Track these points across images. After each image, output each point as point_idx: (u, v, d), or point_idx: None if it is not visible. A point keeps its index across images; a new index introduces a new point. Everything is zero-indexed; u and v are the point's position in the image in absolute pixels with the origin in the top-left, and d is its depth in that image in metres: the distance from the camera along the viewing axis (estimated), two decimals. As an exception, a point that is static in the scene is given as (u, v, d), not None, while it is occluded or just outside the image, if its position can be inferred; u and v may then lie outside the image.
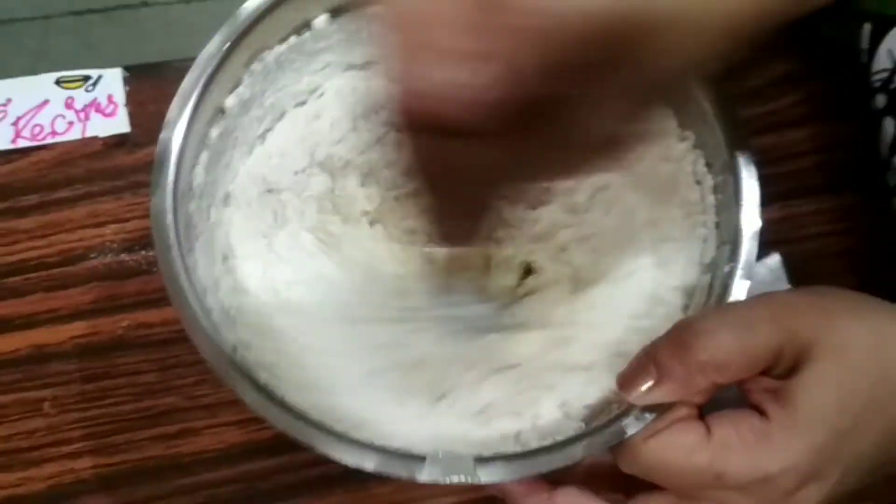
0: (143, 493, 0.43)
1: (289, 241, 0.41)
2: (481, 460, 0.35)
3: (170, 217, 0.36)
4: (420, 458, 0.35)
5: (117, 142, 0.48)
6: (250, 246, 0.41)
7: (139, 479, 0.43)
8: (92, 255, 0.46)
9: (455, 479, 0.34)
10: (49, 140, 0.48)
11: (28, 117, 0.48)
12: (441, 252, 0.41)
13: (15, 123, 0.48)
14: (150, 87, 0.48)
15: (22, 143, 0.47)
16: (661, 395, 0.34)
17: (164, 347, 0.45)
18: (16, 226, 0.47)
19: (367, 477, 0.43)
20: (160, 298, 0.45)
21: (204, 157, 0.39)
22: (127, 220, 0.47)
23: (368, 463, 0.35)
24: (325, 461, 0.43)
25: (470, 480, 0.34)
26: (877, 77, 0.44)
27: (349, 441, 0.35)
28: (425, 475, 0.34)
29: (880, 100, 0.44)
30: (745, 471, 0.33)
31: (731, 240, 0.38)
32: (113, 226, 0.47)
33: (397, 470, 0.35)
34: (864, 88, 0.46)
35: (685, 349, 0.33)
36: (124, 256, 0.46)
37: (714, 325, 0.33)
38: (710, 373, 0.33)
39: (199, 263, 0.37)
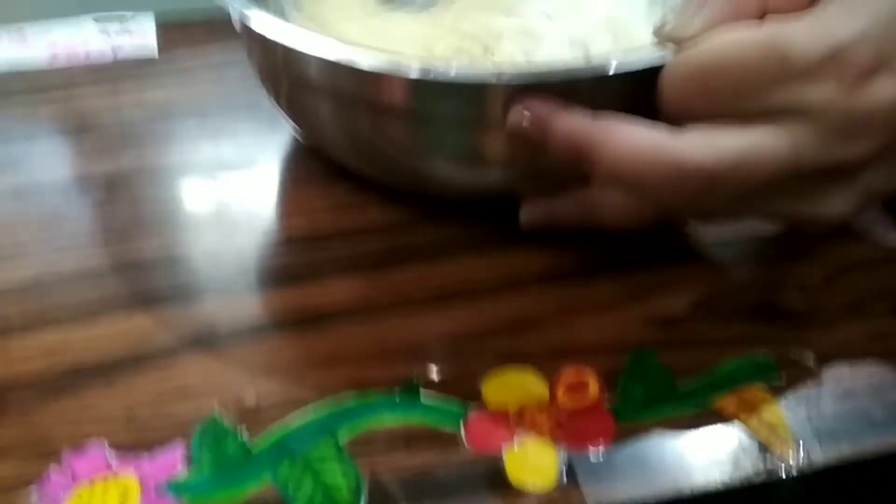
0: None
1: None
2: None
3: None
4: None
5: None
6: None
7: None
8: None
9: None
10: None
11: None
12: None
13: None
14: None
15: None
16: (709, 15, 0.30)
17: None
18: None
19: (389, 266, 0.41)
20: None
21: None
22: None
23: (361, 60, 0.33)
24: (353, 245, 0.41)
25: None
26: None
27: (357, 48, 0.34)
28: (417, 73, 0.32)
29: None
30: (814, 40, 0.28)
31: None
32: None
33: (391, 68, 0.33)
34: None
35: None
36: None
37: None
38: None
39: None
